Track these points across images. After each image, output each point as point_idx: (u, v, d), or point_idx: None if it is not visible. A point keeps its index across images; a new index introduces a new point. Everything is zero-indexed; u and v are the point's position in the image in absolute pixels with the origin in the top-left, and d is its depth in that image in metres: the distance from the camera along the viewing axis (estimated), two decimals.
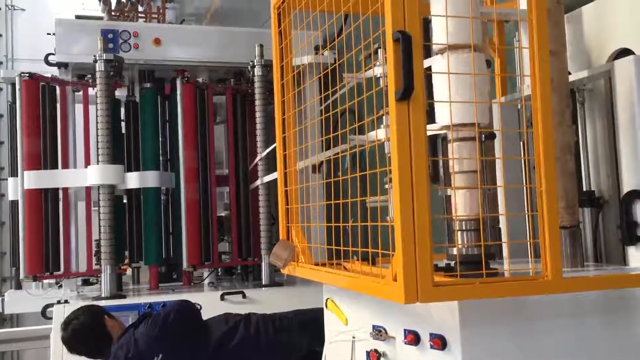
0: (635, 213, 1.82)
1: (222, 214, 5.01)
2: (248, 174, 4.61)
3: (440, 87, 1.72)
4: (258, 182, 4.24)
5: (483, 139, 1.92)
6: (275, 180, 2.48)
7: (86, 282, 4.51)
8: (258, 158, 4.21)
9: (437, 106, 1.76)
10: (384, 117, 1.91)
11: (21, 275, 4.15)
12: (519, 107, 2.23)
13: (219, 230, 4.73)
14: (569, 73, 2.04)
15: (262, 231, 4.25)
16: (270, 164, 4.07)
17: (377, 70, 1.98)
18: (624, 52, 2.04)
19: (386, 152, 1.84)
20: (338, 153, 2.18)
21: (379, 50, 1.99)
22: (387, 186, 1.84)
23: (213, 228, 4.50)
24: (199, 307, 3.40)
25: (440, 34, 1.73)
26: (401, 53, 1.48)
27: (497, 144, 2.11)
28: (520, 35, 2.27)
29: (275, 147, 2.47)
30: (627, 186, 1.86)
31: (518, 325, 1.69)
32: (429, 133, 1.57)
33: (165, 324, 3.10)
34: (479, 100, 1.67)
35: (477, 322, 1.62)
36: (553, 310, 1.72)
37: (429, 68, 1.83)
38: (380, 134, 1.98)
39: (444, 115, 1.73)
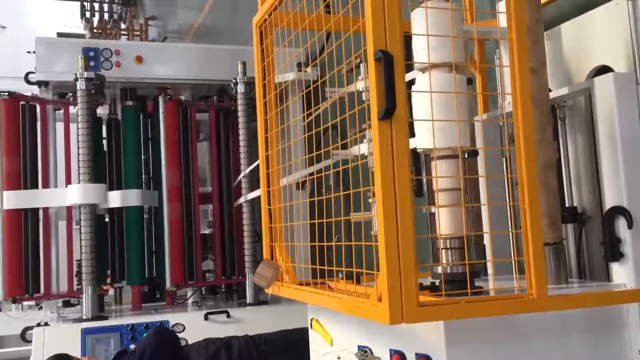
0: (618, 229, 1.83)
1: (206, 232, 4.97)
2: (232, 192, 4.58)
3: (421, 106, 1.72)
4: (242, 200, 4.22)
5: (466, 156, 1.92)
6: (260, 197, 2.46)
7: (67, 304, 4.42)
8: (241, 175, 4.19)
9: (417, 125, 1.76)
10: (367, 131, 1.91)
11: (0, 298, 4.07)
12: (501, 124, 2.24)
13: (203, 249, 4.68)
14: (550, 90, 2.06)
15: (247, 249, 4.21)
16: (254, 181, 4.04)
17: (360, 85, 1.98)
18: (603, 70, 2.06)
19: (370, 166, 1.84)
20: (322, 170, 2.17)
21: (360, 64, 1.99)
22: (370, 200, 1.83)
23: (197, 246, 4.45)
24: (181, 328, 3.33)
25: (421, 52, 1.74)
26: (383, 72, 1.48)
27: (480, 160, 2.12)
28: (501, 53, 2.29)
29: (258, 164, 2.45)
30: (609, 202, 1.87)
31: (504, 343, 1.69)
32: (411, 145, 1.56)
33: None
34: (461, 119, 1.67)
35: (462, 340, 1.61)
36: (539, 327, 1.71)
37: (411, 82, 1.84)
38: (363, 148, 1.97)
39: (425, 135, 1.73)
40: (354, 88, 1.97)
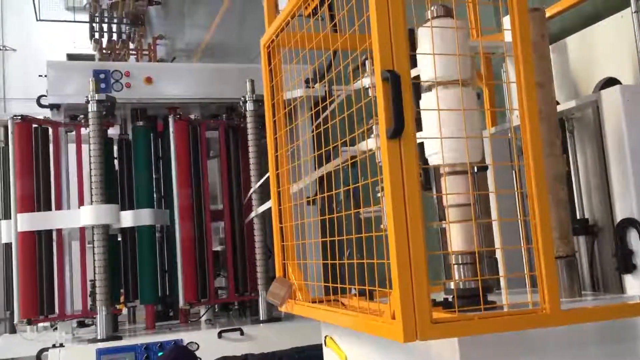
0: (630, 241, 1.83)
1: (218, 249, 4.98)
2: (243, 208, 4.60)
3: (431, 123, 1.74)
4: (253, 214, 4.23)
5: (475, 171, 1.93)
6: (270, 211, 2.47)
7: (82, 324, 4.44)
8: (252, 190, 4.21)
9: (427, 142, 1.77)
10: (374, 127, 1.91)
11: (15, 319, 4.09)
12: (509, 137, 2.25)
13: (215, 266, 4.69)
14: (557, 103, 2.07)
15: (259, 265, 4.22)
16: (265, 194, 4.06)
17: (366, 82, 1.98)
18: (610, 82, 2.07)
19: (377, 160, 1.84)
20: (332, 186, 2.18)
21: (366, 62, 2.00)
22: (379, 194, 1.82)
23: (209, 264, 4.47)
24: (196, 346, 3.35)
25: (428, 70, 1.76)
26: (390, 92, 1.50)
27: (490, 175, 2.13)
28: (507, 68, 2.31)
29: (268, 178, 2.47)
30: (620, 214, 1.87)
31: (518, 357, 1.68)
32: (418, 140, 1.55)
33: None
34: (470, 136, 1.69)
35: (477, 356, 1.61)
36: (553, 341, 1.71)
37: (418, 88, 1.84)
38: (370, 143, 1.97)
39: (435, 152, 1.74)
40: (360, 85, 1.97)
